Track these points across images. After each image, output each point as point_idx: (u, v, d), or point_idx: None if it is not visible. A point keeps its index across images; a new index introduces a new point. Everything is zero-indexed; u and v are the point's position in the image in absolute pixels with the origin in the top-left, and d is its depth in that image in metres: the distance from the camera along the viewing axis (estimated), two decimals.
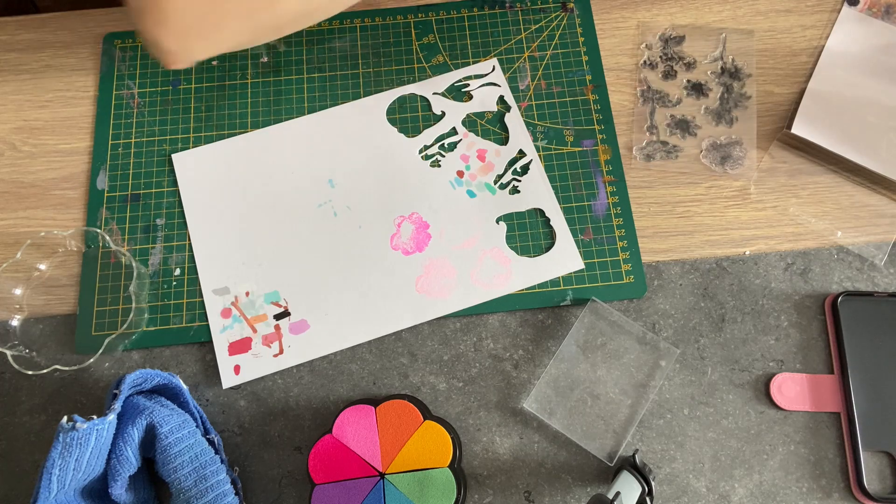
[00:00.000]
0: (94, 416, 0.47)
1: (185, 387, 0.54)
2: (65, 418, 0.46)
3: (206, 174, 0.65)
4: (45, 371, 0.56)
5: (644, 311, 0.59)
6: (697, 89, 0.67)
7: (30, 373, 0.56)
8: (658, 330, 0.59)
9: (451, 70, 0.69)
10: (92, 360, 0.57)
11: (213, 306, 0.60)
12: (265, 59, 0.69)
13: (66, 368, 0.57)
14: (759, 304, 0.59)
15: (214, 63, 0.69)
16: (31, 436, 0.57)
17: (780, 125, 0.65)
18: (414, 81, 0.68)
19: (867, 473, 0.53)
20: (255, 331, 0.59)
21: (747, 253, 0.61)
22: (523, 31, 0.70)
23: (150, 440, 0.51)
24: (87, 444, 0.47)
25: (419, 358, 0.58)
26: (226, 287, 0.60)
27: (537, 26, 0.71)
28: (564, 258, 0.61)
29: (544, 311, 0.60)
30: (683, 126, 0.65)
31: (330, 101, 0.68)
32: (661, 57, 0.69)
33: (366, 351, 0.59)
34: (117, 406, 0.49)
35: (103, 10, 0.72)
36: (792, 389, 0.56)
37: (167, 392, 0.54)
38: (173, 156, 0.65)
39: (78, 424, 0.46)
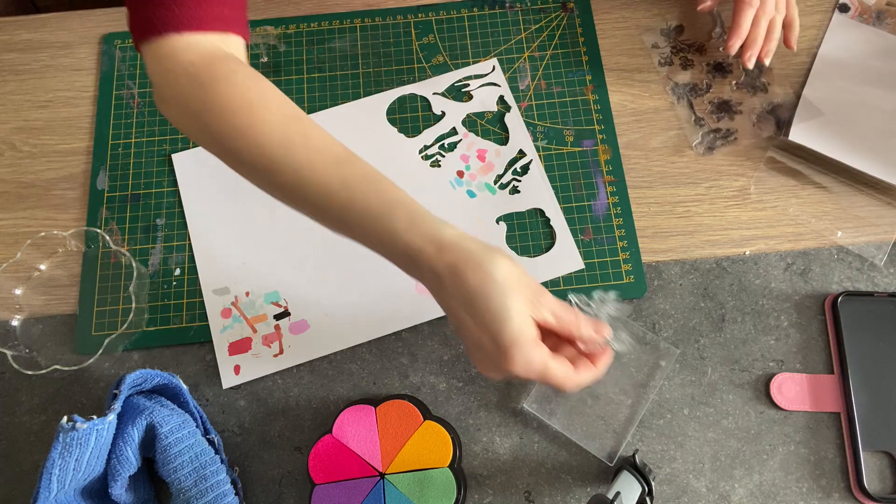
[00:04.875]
0: (94, 416, 0.47)
1: (185, 387, 0.54)
2: (65, 418, 0.46)
3: (206, 174, 0.65)
4: (44, 371, 0.56)
5: (644, 311, 0.59)
6: (719, 69, 0.68)
7: (30, 373, 0.56)
8: (658, 330, 0.59)
9: (451, 70, 0.69)
10: (92, 360, 0.57)
11: (213, 306, 0.60)
12: (265, 59, 0.69)
13: (66, 368, 0.57)
14: (759, 304, 0.59)
15: None
16: (31, 436, 0.57)
17: (779, 128, 0.65)
18: (414, 81, 0.68)
19: (867, 473, 0.53)
20: (255, 331, 0.59)
21: (747, 253, 0.61)
22: (523, 31, 0.70)
23: (150, 440, 0.51)
24: (87, 444, 0.47)
25: (419, 358, 0.58)
26: (226, 287, 0.60)
27: (537, 26, 0.71)
28: (564, 258, 0.61)
29: None
30: (725, 108, 0.65)
31: (330, 101, 0.68)
32: (671, 51, 0.69)
33: (366, 351, 0.59)
34: (117, 406, 0.49)
35: (103, 10, 0.72)
36: (792, 389, 0.56)
37: (167, 392, 0.54)
38: (173, 156, 0.65)
39: (78, 424, 0.46)
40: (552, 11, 0.71)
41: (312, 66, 0.69)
